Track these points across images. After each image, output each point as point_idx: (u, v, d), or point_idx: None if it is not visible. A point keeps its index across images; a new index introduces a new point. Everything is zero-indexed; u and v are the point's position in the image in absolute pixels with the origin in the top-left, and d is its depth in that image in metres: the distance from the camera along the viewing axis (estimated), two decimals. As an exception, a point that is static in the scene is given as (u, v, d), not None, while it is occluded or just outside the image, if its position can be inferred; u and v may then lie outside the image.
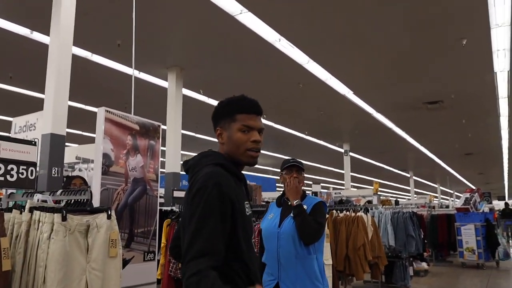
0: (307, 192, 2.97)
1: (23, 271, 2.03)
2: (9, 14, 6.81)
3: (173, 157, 8.76)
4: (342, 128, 15.26)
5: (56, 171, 4.64)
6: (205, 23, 7.09)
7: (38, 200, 2.14)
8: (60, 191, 2.28)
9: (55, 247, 1.99)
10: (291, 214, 2.72)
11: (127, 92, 5.48)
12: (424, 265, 9.48)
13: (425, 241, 9.75)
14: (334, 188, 24.62)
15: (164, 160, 8.88)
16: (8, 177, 2.46)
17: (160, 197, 8.52)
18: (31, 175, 2.57)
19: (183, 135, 13.95)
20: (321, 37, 7.55)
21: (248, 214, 1.70)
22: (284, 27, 7.13)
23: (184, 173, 1.80)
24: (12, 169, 2.48)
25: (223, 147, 1.77)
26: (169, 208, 5.89)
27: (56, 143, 4.68)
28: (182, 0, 6.34)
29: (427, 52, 8.16)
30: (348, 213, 5.68)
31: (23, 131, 5.71)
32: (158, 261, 4.15)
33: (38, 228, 2.03)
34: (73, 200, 2.25)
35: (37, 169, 4.78)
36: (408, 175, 26.89)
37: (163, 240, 3.89)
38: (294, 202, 2.73)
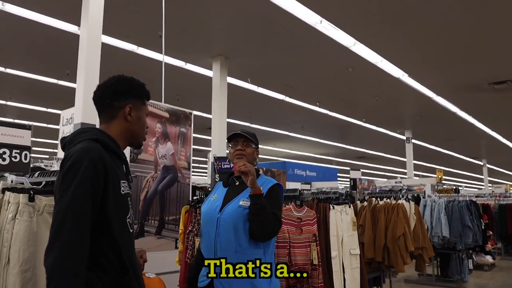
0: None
1: (-11, 251, 2.03)
2: (58, 12, 7.10)
3: (219, 147, 8.76)
4: (402, 114, 14.49)
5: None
6: (246, 10, 6.96)
7: (11, 181, 2.13)
8: (38, 172, 2.27)
9: (19, 227, 1.97)
10: (242, 200, 2.23)
11: (176, 84, 5.50)
12: (488, 258, 8.80)
13: (491, 233, 9.04)
14: (401, 178, 23.65)
15: (210, 149, 8.92)
16: (0, 160, 2.49)
17: (209, 185, 8.60)
18: (25, 159, 2.58)
19: (236, 125, 14.08)
20: (365, 17, 7.12)
21: (123, 193, 1.68)
22: (323, 8, 6.81)
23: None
24: (4, 152, 2.51)
25: (124, 124, 1.80)
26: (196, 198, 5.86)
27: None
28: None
29: (490, 27, 7.43)
30: (388, 200, 5.32)
31: (69, 123, 5.93)
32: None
33: (7, 209, 2.02)
34: (50, 182, 2.22)
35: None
36: (481, 163, 25.15)
37: (181, 226, 3.84)
38: (253, 190, 2.19)
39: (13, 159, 2.54)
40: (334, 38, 7.79)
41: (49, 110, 13.52)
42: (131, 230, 1.74)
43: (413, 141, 16.78)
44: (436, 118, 14.07)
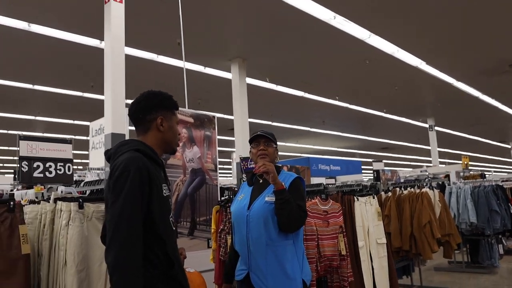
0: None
1: (50, 255, 2.26)
2: (80, 27, 7.39)
3: (242, 147, 8.94)
4: (423, 102, 14.40)
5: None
6: (261, 11, 7.11)
7: (62, 192, 2.35)
8: (83, 182, 2.48)
9: (73, 232, 2.20)
10: (267, 196, 2.40)
11: (196, 89, 5.70)
12: (519, 242, 8.72)
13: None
14: (426, 166, 23.40)
15: (234, 149, 9.11)
16: (47, 173, 2.72)
17: (235, 185, 8.78)
18: (68, 170, 2.81)
19: (258, 124, 14.25)
20: (377, 8, 7.18)
21: (165, 195, 1.90)
22: (336, 3, 6.91)
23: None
24: (50, 166, 2.74)
25: (158, 134, 2.01)
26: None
27: (116, 142, 5.00)
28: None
29: (506, 8, 7.38)
30: (412, 190, 5.40)
31: (98, 134, 6.19)
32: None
33: (60, 217, 2.24)
34: (95, 190, 2.43)
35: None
36: (509, 146, 24.69)
37: (213, 226, 4.02)
38: (276, 187, 2.35)
39: (58, 171, 2.76)
40: (349, 32, 7.88)
41: (75, 122, 13.96)
42: (173, 228, 1.94)
43: (436, 128, 16.66)
44: (458, 103, 13.95)
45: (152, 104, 2.02)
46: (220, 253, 3.88)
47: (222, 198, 4.47)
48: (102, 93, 10.98)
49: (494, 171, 34.17)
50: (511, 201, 7.71)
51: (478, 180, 7.49)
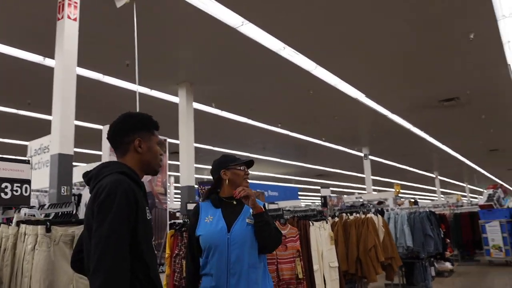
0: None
1: (11, 283, 2.13)
2: (23, 43, 7.09)
3: (187, 171, 8.88)
4: (359, 132, 15.15)
5: (65, 190, 4.78)
6: (210, 38, 7.22)
7: (25, 214, 2.24)
8: (47, 204, 2.38)
9: (39, 258, 2.09)
10: (248, 219, 2.49)
11: (141, 110, 5.61)
12: (448, 265, 9.30)
13: (448, 241, 9.57)
14: (358, 193, 24.35)
15: (179, 174, 9.01)
16: (2, 194, 2.57)
17: (178, 211, 8.65)
18: (25, 192, 2.68)
19: (200, 149, 14.22)
20: (325, 42, 7.58)
21: (148, 218, 1.88)
22: (287, 35, 7.19)
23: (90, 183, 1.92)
24: (6, 187, 2.59)
25: (137, 156, 1.98)
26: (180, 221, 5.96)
27: (64, 163, 4.82)
28: (185, 17, 6.48)
29: (436, 49, 8.07)
30: (358, 215, 5.63)
31: (38, 154, 5.90)
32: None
33: (24, 241, 2.13)
34: (60, 213, 2.34)
35: (50, 189, 4.94)
36: (433, 176, 26.37)
37: (167, 250, 3.95)
38: (255, 210, 2.45)
39: (14, 192, 2.63)
40: (296, 63, 8.19)
41: (6, 140, 13.16)
42: (155, 252, 1.91)
43: (370, 157, 17.47)
44: (391, 134, 14.79)
45: (129, 126, 1.99)
46: (175, 278, 3.82)
47: (177, 222, 4.40)
48: (39, 112, 10.58)
49: (420, 199, 36.19)
50: (442, 227, 8.24)
51: (413, 207, 7.94)
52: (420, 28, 7.29)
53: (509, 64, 8.91)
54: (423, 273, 7.48)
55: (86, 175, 1.94)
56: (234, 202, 2.59)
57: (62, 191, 4.72)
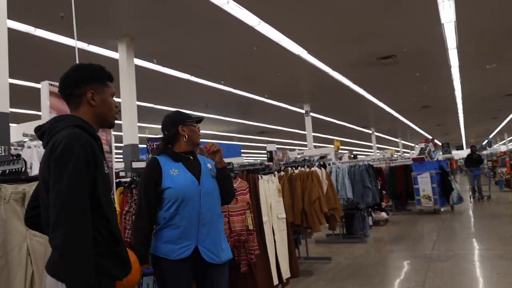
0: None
1: (-39, 243, 2.04)
2: None
3: (130, 130, 8.68)
4: (301, 89, 15.37)
5: (2, 150, 4.54)
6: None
7: (-29, 173, 2.13)
8: (-6, 162, 2.27)
9: (-11, 217, 2.01)
10: (212, 172, 2.70)
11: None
12: (383, 214, 9.92)
13: (384, 192, 10.17)
14: (299, 150, 24.99)
15: (121, 134, 8.80)
16: None
17: (122, 170, 8.50)
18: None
19: (141, 107, 13.86)
20: (269, -3, 7.50)
21: (106, 172, 1.86)
22: (231, -11, 7.04)
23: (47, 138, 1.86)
24: None
25: (91, 109, 1.93)
26: (128, 179, 5.90)
27: (0, 122, 4.56)
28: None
29: (375, 7, 8.23)
30: (303, 169, 5.83)
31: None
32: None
33: (-29, 200, 2.04)
34: (7, 171, 2.25)
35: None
36: (370, 132, 27.54)
37: (117, 208, 3.92)
38: (221, 164, 2.74)
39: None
40: (240, 18, 8.07)
41: None
42: (114, 205, 1.91)
43: (312, 114, 17.87)
44: (332, 91, 15.14)
45: (80, 77, 1.92)
46: (127, 235, 3.82)
47: (126, 180, 4.35)
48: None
49: (357, 154, 37.82)
50: (379, 179, 8.73)
51: (353, 161, 8.31)
52: (362, -15, 7.40)
53: (443, 24, 9.31)
54: (361, 222, 7.96)
55: (38, 129, 1.87)
56: (191, 157, 2.70)
57: (0, 152, 4.48)
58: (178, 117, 2.75)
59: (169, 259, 2.48)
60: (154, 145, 4.29)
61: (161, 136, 3.04)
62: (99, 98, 1.94)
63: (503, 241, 7.22)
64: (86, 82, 1.92)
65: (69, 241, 1.58)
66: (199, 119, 2.78)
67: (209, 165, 2.73)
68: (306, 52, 10.51)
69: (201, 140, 2.85)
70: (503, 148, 38.77)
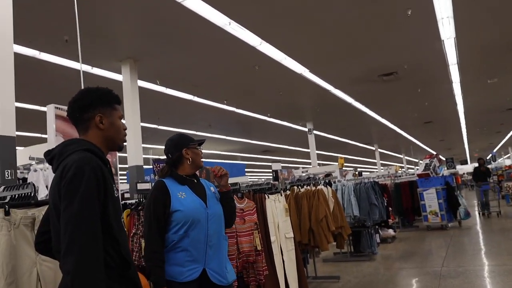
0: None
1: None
2: None
3: (135, 151, 8.69)
4: (304, 107, 15.43)
5: (9, 174, 4.54)
6: (153, 12, 6.99)
7: (-21, 198, 2.13)
8: (2, 187, 2.27)
9: (0, 242, 2.00)
10: (216, 195, 2.74)
11: (79, 88, 5.39)
12: (390, 232, 9.83)
13: (390, 209, 10.10)
14: (303, 168, 24.93)
15: (126, 155, 8.81)
16: None
17: (126, 192, 8.49)
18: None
19: (145, 128, 13.91)
20: (270, 17, 7.58)
21: (116, 195, 1.87)
22: (232, 10, 7.12)
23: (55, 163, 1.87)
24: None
25: (99, 132, 1.93)
26: (134, 201, 5.88)
27: (6, 146, 4.57)
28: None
29: (375, 24, 8.32)
30: (308, 187, 5.81)
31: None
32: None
33: (-19, 226, 2.03)
34: (17, 195, 2.24)
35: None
36: (374, 148, 27.52)
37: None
38: (226, 188, 2.78)
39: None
40: (242, 38, 8.16)
41: None
42: (125, 229, 1.90)
43: (314, 132, 17.90)
44: (334, 109, 15.21)
45: (88, 101, 1.93)
46: (135, 257, 3.78)
47: (131, 202, 4.33)
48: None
49: (361, 170, 37.70)
50: (385, 196, 8.68)
51: (359, 178, 8.28)
52: (361, 3, 7.47)
53: (443, 40, 9.39)
54: (369, 240, 7.88)
55: (48, 154, 1.87)
56: (195, 181, 2.75)
57: (6, 175, 4.48)
58: (182, 140, 2.78)
59: (177, 282, 2.47)
60: (160, 166, 4.29)
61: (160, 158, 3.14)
62: (107, 121, 1.94)
63: (513, 256, 7.13)
64: (95, 106, 1.93)
65: (81, 266, 1.57)
66: (201, 142, 2.81)
67: (212, 189, 2.77)
68: (308, 70, 10.59)
69: (205, 160, 2.88)
70: (508, 162, 38.63)
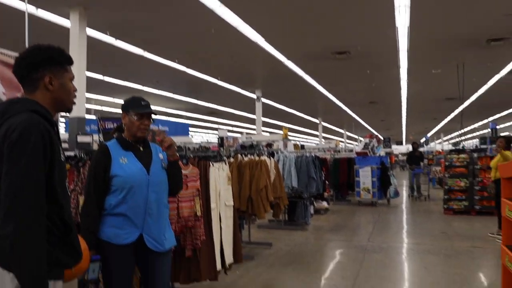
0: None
1: None
2: None
3: (78, 101, 8.34)
4: (255, 75, 15.44)
5: None
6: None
7: None
8: None
9: None
10: (163, 163, 2.69)
11: (22, 31, 5.08)
12: (324, 204, 10.28)
13: (327, 182, 10.52)
14: (246, 134, 25.15)
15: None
16: None
17: (64, 142, 8.22)
18: None
19: (90, 78, 13.37)
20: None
21: (63, 160, 1.83)
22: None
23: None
24: None
25: (47, 93, 1.84)
26: (72, 154, 5.74)
27: None
28: None
29: (335, 2, 8.39)
30: (252, 157, 5.93)
31: None
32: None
33: None
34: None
35: None
36: (317, 121, 28.17)
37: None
38: (174, 158, 2.73)
39: None
40: (201, -1, 7.97)
41: None
42: (69, 192, 1.89)
43: (262, 99, 18.01)
44: (284, 80, 15.32)
45: (38, 60, 1.83)
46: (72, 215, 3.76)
47: (70, 155, 4.23)
48: None
49: (303, 141, 38.61)
50: (323, 169, 9.01)
51: (301, 151, 8.53)
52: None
53: (397, 27, 9.66)
54: (304, 211, 8.23)
55: None
56: (141, 146, 2.69)
57: None
58: (126, 103, 2.69)
59: (113, 243, 2.51)
60: (106, 124, 4.21)
61: (112, 116, 3.04)
62: (57, 83, 1.86)
63: (432, 237, 7.72)
64: (45, 66, 1.84)
65: (21, 234, 1.55)
66: (143, 113, 2.64)
67: (161, 155, 2.72)
68: (264, 40, 10.56)
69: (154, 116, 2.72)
70: (439, 147, 41.01)
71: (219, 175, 4.36)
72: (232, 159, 5.73)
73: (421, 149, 21.16)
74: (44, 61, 1.84)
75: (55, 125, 1.84)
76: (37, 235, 1.59)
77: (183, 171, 3.78)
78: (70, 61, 1.97)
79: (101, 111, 20.98)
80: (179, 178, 2.79)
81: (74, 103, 2.00)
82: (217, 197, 4.30)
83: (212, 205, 4.20)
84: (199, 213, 3.83)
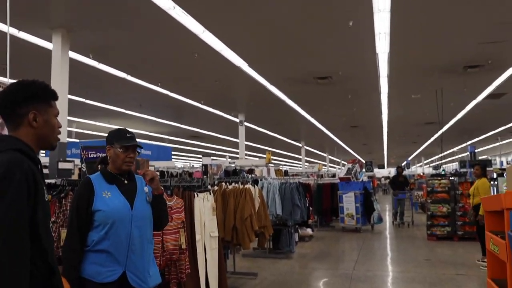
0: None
1: None
2: None
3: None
4: (238, 99, 15.46)
5: None
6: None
7: None
8: None
9: None
10: (148, 197, 2.60)
11: (3, 53, 4.97)
12: (308, 231, 10.20)
13: (311, 209, 10.47)
14: (230, 158, 25.05)
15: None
16: None
17: (45, 167, 7.99)
18: None
19: (71, 101, 13.19)
20: (215, 7, 7.46)
21: (47, 199, 1.75)
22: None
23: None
24: None
25: (31, 130, 1.77)
26: (53, 181, 5.57)
27: None
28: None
29: (317, 29, 8.50)
30: (236, 185, 5.85)
31: None
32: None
33: None
34: None
35: None
36: (300, 145, 28.28)
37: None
38: (158, 191, 2.63)
39: None
40: (185, 24, 7.97)
41: None
42: (52, 233, 1.79)
43: (246, 123, 18.02)
44: (267, 104, 15.38)
45: (22, 96, 1.75)
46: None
47: (51, 182, 4.10)
48: None
49: (286, 165, 38.67)
50: (307, 195, 8.96)
51: (285, 177, 8.47)
52: (305, 9, 7.59)
53: (378, 53, 9.83)
54: (288, 239, 8.13)
55: None
56: (126, 182, 2.61)
57: None
58: (110, 135, 2.64)
59: (95, 282, 2.40)
60: (89, 153, 4.10)
61: (97, 145, 2.95)
62: (41, 119, 1.79)
63: (416, 264, 7.68)
64: (28, 102, 1.77)
65: (3, 280, 1.47)
66: (128, 146, 2.59)
67: (146, 189, 2.64)
68: (247, 65, 10.60)
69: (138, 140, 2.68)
70: (420, 170, 41.50)
71: (204, 206, 4.26)
72: (216, 187, 5.65)
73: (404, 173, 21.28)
74: (28, 98, 1.78)
75: (39, 163, 1.78)
76: (20, 282, 1.51)
77: (168, 203, 3.69)
78: (54, 97, 1.90)
79: (82, 133, 20.71)
80: (164, 213, 2.71)
81: (59, 139, 1.93)
82: (202, 228, 4.20)
83: (197, 236, 4.09)
84: (184, 246, 3.71)
